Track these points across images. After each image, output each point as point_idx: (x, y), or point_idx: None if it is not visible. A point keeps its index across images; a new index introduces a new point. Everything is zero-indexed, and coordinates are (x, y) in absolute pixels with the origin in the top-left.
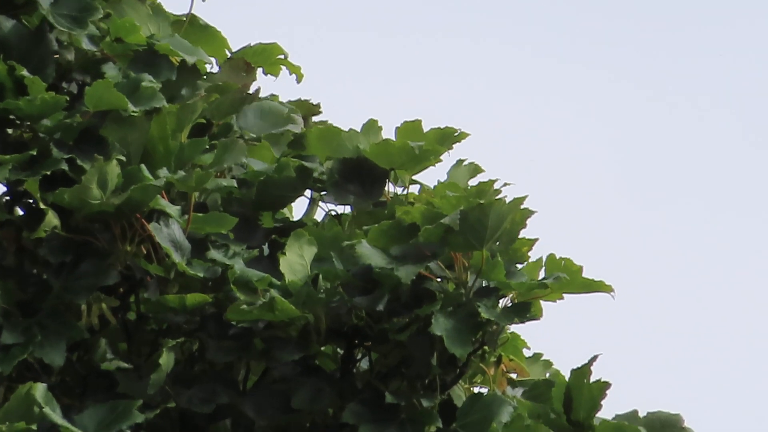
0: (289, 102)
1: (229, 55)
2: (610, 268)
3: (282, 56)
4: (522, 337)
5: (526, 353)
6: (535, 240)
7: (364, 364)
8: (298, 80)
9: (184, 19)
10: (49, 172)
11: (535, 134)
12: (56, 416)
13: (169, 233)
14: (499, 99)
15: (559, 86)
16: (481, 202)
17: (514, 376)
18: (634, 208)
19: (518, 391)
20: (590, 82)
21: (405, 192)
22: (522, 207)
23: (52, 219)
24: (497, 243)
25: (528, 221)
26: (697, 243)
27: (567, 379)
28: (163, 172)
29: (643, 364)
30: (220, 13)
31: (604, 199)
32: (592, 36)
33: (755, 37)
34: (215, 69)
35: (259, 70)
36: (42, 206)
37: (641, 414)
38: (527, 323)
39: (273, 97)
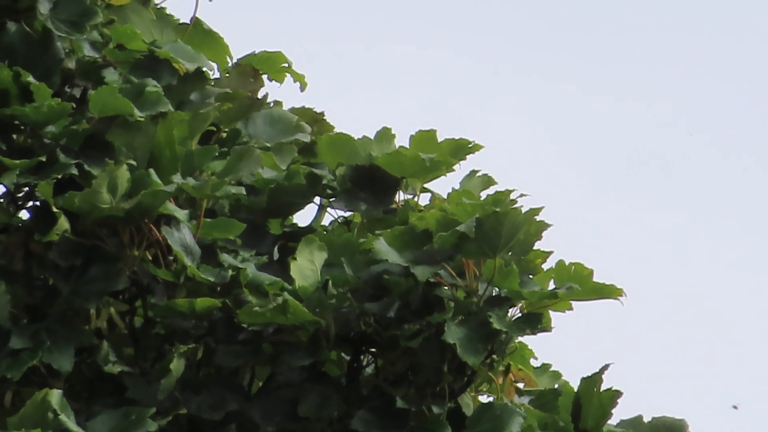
0: (293, 109)
1: (230, 61)
2: (613, 275)
3: (286, 64)
4: (529, 347)
5: (534, 363)
6: (550, 253)
7: (368, 371)
8: (302, 88)
9: (189, 23)
10: (59, 176)
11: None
12: (71, 423)
13: (180, 237)
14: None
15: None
16: (497, 210)
17: (521, 385)
18: (637, 212)
19: (525, 400)
20: (548, 92)
21: (416, 200)
22: (538, 219)
23: (63, 223)
24: (510, 253)
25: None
26: (706, 248)
27: (575, 387)
28: (177, 178)
29: (647, 369)
30: (223, 19)
31: (600, 203)
32: (565, 50)
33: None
34: (216, 74)
35: (264, 77)
36: (54, 210)
37: (646, 419)
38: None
39: (277, 103)
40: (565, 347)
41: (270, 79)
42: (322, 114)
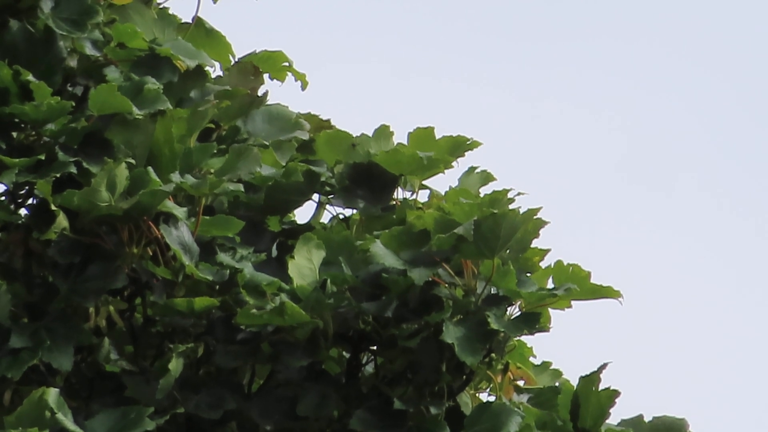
0: (299, 115)
1: (232, 59)
2: (611, 274)
3: (287, 63)
4: (528, 346)
5: (534, 362)
6: (547, 251)
7: (368, 369)
8: (303, 87)
9: (190, 23)
10: (58, 175)
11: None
12: (68, 422)
13: (179, 235)
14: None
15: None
16: (495, 211)
17: (521, 383)
18: (636, 209)
19: (524, 398)
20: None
21: (414, 197)
22: (535, 217)
23: (62, 221)
24: (507, 251)
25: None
26: (701, 247)
27: (574, 386)
28: (176, 177)
29: (646, 368)
30: (226, 18)
31: (600, 200)
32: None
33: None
34: (218, 73)
35: (265, 76)
36: (53, 208)
37: (646, 419)
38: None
39: (279, 105)
40: (567, 345)
41: (271, 78)
42: (328, 121)
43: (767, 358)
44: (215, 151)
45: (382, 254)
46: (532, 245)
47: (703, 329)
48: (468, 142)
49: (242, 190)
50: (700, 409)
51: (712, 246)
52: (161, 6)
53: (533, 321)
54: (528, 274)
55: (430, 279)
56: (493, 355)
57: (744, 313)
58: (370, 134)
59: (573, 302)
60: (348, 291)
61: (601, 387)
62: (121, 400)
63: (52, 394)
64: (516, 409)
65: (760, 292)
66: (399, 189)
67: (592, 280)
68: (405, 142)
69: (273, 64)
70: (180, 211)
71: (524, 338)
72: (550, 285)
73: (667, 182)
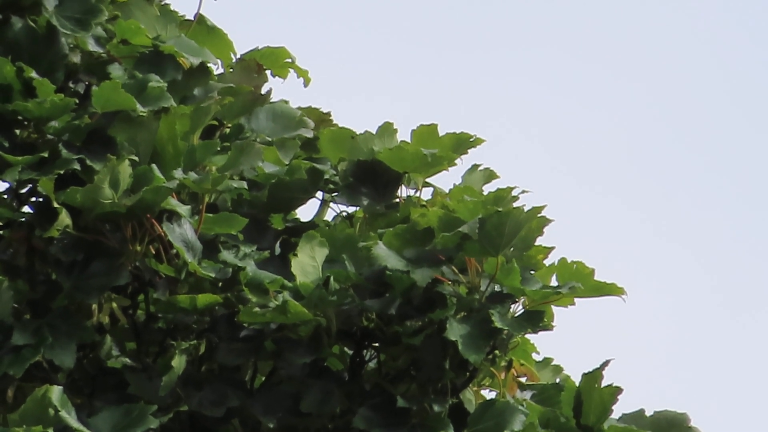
0: (300, 109)
1: (234, 57)
2: (616, 270)
3: (289, 60)
4: (531, 342)
5: (536, 358)
6: (552, 248)
7: (371, 366)
8: (306, 84)
9: (192, 20)
10: (62, 172)
11: None
12: (72, 419)
13: (181, 233)
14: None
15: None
16: (499, 209)
17: (523, 380)
18: (636, 211)
19: (527, 395)
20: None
21: (417, 194)
22: (539, 215)
23: (64, 218)
24: (512, 249)
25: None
26: (700, 244)
27: (576, 383)
28: (178, 174)
29: (647, 363)
30: (228, 16)
31: (604, 197)
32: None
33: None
34: (220, 70)
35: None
36: (56, 205)
37: (648, 413)
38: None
39: (283, 102)
40: (567, 341)
41: (273, 75)
42: (328, 114)
43: (766, 355)
44: (218, 149)
45: (385, 255)
46: (536, 243)
47: (702, 326)
48: (471, 139)
49: (246, 187)
50: (700, 403)
51: (711, 244)
52: (163, 3)
53: (537, 319)
54: (532, 272)
55: (434, 276)
56: (496, 352)
57: (744, 310)
58: (374, 131)
59: (576, 299)
60: (351, 288)
61: (604, 383)
62: (123, 397)
63: (56, 392)
64: (519, 406)
65: (759, 290)
66: (402, 186)
67: (596, 278)
68: (408, 139)
69: (275, 60)
70: (183, 209)
71: (527, 335)
72: (553, 282)
73: (668, 181)
